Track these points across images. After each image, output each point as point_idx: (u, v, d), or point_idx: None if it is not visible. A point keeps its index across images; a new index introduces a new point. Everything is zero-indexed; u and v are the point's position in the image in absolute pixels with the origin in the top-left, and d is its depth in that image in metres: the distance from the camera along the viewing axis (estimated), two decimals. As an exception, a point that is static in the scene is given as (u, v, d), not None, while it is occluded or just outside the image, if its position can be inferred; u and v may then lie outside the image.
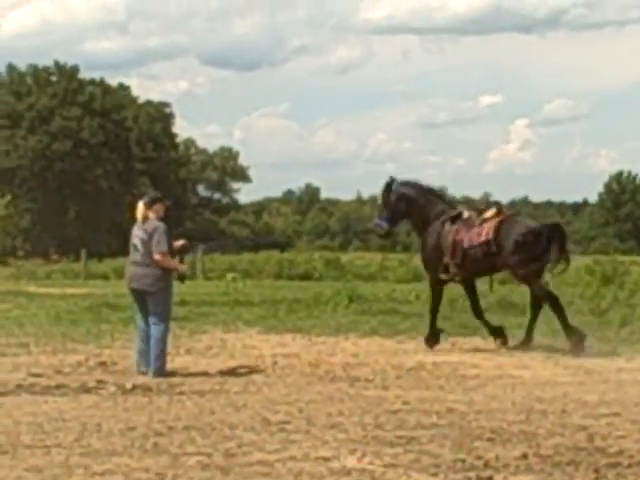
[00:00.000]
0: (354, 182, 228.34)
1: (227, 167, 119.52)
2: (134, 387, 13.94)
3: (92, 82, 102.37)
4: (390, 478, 8.40)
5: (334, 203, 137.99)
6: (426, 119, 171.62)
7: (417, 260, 30.01)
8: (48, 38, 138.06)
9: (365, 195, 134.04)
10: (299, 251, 75.44)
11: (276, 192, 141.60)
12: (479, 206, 19.97)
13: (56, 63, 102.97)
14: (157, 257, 15.11)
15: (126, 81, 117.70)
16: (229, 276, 38.10)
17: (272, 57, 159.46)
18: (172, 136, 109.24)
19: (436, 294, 18.71)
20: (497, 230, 17.30)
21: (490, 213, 18.01)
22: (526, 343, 17.86)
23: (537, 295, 17.84)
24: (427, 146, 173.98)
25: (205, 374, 15.43)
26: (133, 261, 15.55)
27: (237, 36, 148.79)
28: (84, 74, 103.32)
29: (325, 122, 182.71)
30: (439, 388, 13.85)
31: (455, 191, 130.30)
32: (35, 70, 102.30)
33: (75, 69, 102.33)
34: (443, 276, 18.25)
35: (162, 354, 15.28)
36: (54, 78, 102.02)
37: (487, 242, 17.36)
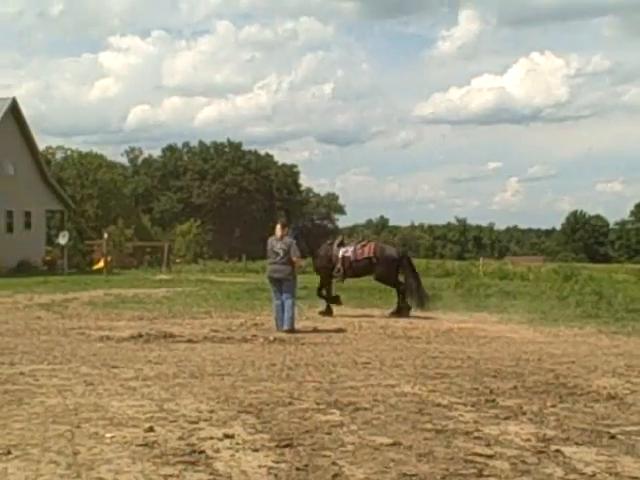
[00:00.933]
0: (409, 215, 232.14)
1: (331, 205, 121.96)
2: (274, 339, 14.36)
3: (250, 152, 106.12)
4: (431, 399, 8.59)
5: (397, 228, 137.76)
6: (454, 176, 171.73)
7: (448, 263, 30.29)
8: (224, 125, 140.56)
9: (416, 223, 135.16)
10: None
11: (361, 220, 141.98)
12: (352, 236, 21.78)
13: (228, 140, 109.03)
14: (295, 259, 15.96)
15: (270, 151, 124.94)
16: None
17: (360, 137, 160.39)
18: (298, 185, 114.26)
19: (327, 283, 20.36)
20: (375, 250, 19.99)
21: (364, 241, 21.18)
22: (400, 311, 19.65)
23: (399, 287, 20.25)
24: (454, 193, 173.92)
25: (317, 332, 15.83)
26: (274, 262, 16.12)
27: (339, 124, 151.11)
28: (245, 147, 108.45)
29: (392, 178, 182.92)
30: (461, 344, 14.09)
31: (472, 221, 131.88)
32: (215, 144, 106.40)
33: (240, 144, 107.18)
34: (335, 275, 20.24)
35: (291, 318, 15.84)
36: (227, 149, 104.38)
37: (369, 257, 19.88)
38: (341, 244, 20.41)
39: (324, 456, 6.23)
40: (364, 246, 20.31)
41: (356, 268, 20.12)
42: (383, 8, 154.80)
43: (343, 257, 20.04)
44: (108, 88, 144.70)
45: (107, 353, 12.22)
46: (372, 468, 5.92)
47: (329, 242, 20.55)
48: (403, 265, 20.19)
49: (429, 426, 7.30)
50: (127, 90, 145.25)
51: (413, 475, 5.75)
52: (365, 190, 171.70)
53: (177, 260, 59.63)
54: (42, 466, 5.90)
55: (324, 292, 20.35)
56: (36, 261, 45.28)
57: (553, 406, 8.37)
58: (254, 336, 14.77)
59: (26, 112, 48.45)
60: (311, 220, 21.93)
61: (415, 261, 22.70)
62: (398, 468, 5.92)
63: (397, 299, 20.08)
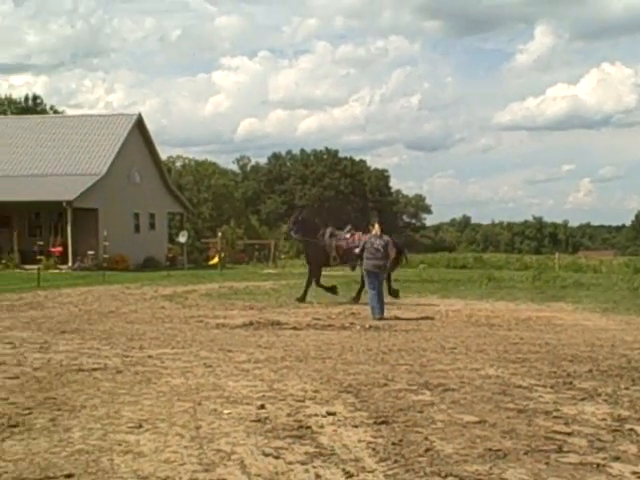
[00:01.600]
0: (490, 214, 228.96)
1: (419, 205, 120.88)
2: (370, 326, 14.28)
3: (345, 158, 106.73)
4: (513, 381, 8.49)
5: (479, 225, 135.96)
6: (531, 178, 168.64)
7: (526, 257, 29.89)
8: (323, 134, 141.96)
9: (496, 221, 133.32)
10: (459, 252, 75.85)
11: (446, 219, 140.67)
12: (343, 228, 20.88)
13: (326, 148, 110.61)
14: (392, 255, 16.38)
15: (364, 157, 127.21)
16: (420, 266, 37.82)
17: (444, 143, 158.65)
18: (389, 188, 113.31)
19: (317, 273, 20.22)
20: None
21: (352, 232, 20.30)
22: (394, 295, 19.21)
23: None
24: (531, 193, 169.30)
25: (408, 319, 15.64)
26: (375, 257, 16.14)
27: (425, 132, 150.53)
28: (342, 154, 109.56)
29: (474, 180, 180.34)
30: (540, 331, 13.78)
31: (547, 219, 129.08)
32: (315, 152, 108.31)
33: (336, 151, 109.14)
34: (332, 263, 20.27)
35: (380, 308, 15.86)
36: (325, 156, 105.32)
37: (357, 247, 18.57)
38: (332, 235, 20.26)
39: (417, 432, 6.22)
40: (353, 235, 20.01)
41: (349, 255, 19.45)
42: (464, 26, 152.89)
43: (337, 246, 19.89)
44: (220, 103, 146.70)
45: (223, 339, 12.39)
46: (460, 444, 5.90)
47: (321, 233, 20.35)
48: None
49: (511, 406, 7.23)
50: (237, 105, 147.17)
51: (498, 450, 5.71)
52: (449, 191, 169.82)
53: (282, 256, 59.88)
54: (169, 438, 6.04)
55: (320, 281, 20.26)
56: (160, 257, 46.11)
57: (626, 388, 8.21)
58: (352, 324, 14.75)
59: (150, 126, 49.45)
60: (304, 215, 21.52)
61: (496, 256, 22.42)
62: (484, 444, 5.89)
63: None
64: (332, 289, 20.21)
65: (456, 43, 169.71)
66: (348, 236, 20.08)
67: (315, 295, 19.75)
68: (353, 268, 20.05)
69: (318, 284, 20.08)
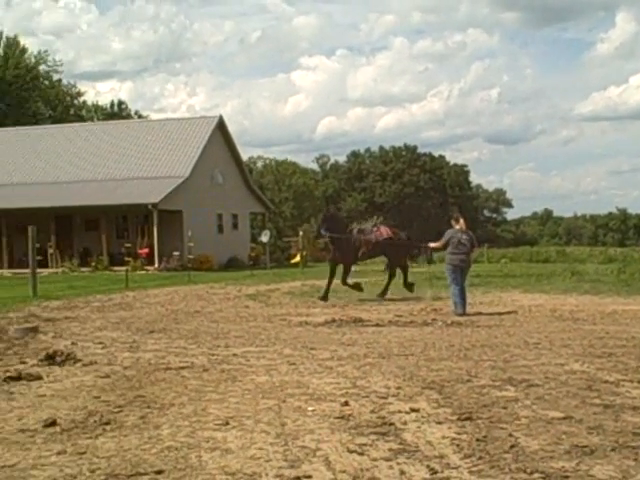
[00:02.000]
0: (572, 206, 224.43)
1: (499, 199, 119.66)
2: (452, 322, 14.19)
3: (424, 154, 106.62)
4: (599, 377, 8.33)
5: (561, 218, 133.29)
6: (614, 169, 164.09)
7: (611, 250, 29.19)
8: (401, 130, 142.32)
9: (579, 213, 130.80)
10: (542, 246, 74.62)
11: (527, 213, 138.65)
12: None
13: (405, 144, 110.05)
14: (476, 250, 16.79)
15: (443, 153, 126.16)
16: (502, 260, 37.48)
17: (525, 136, 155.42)
18: (469, 183, 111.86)
19: (348, 269, 20.13)
20: (393, 232, 20.54)
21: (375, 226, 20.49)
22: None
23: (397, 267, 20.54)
24: (615, 185, 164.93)
25: (490, 315, 15.49)
26: (461, 252, 16.03)
27: (505, 125, 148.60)
28: (420, 150, 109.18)
29: (555, 173, 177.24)
30: (626, 324, 13.48)
31: (632, 210, 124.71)
32: (394, 148, 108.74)
33: (415, 147, 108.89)
34: (361, 257, 20.20)
35: (462, 303, 15.83)
36: (404, 153, 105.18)
37: (389, 237, 20.06)
38: (360, 231, 20.21)
39: (501, 428, 6.17)
40: (378, 230, 20.25)
41: (375, 250, 20.19)
42: (543, 16, 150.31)
43: (366, 241, 19.81)
44: (300, 103, 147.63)
45: (306, 336, 12.44)
46: (546, 440, 5.82)
47: (349, 230, 20.22)
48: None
49: (598, 401, 7.10)
50: (316, 104, 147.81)
51: (584, 446, 5.62)
52: (531, 184, 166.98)
53: (363, 253, 59.97)
54: (255, 435, 6.11)
55: (349, 280, 20.06)
56: (243, 257, 46.56)
57: None
58: (434, 320, 14.65)
59: (231, 127, 50.04)
60: (332, 214, 21.94)
61: (579, 249, 22.09)
62: (570, 440, 5.80)
63: (388, 280, 20.38)
64: (356, 286, 20.05)
65: (535, 34, 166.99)
66: (375, 230, 20.26)
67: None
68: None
69: (344, 282, 19.96)
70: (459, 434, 6.01)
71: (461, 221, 16.33)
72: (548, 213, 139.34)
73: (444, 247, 16.42)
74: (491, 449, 5.61)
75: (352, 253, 20.00)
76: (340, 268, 19.93)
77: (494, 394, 7.47)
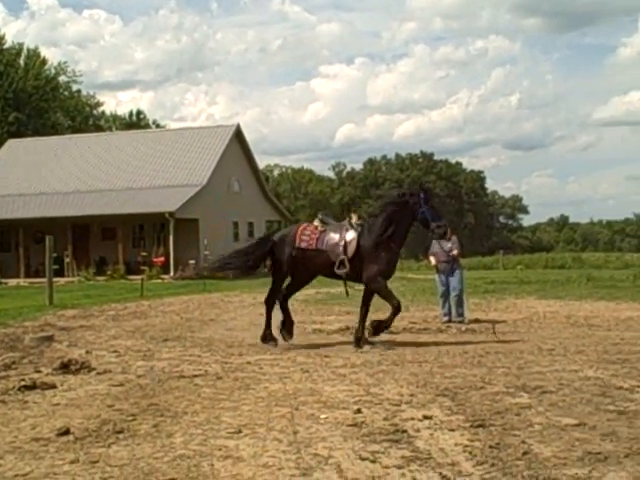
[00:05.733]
0: (589, 212, 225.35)
1: (515, 205, 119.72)
2: (466, 329, 14.18)
3: (441, 161, 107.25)
4: (613, 383, 8.29)
5: (577, 225, 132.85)
6: (633, 174, 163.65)
7: (627, 256, 28.70)
8: (420, 137, 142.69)
9: (595, 219, 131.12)
10: (557, 252, 74.55)
11: (544, 219, 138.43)
12: None
13: (421, 151, 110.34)
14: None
15: (461, 159, 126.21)
16: (517, 267, 37.39)
17: (543, 142, 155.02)
18: (484, 189, 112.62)
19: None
20: None
21: None
22: None
23: None
24: (633, 190, 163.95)
25: (504, 322, 15.37)
26: (447, 260, 15.83)
27: (524, 131, 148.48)
28: (437, 156, 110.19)
29: (573, 179, 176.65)
30: None
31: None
32: (410, 155, 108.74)
33: (432, 154, 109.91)
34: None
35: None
36: (420, 160, 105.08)
37: None
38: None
39: (514, 435, 6.13)
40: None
41: None
42: (564, 22, 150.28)
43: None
44: (319, 111, 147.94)
45: (319, 344, 12.43)
46: (559, 447, 5.79)
47: None
48: None
49: (612, 408, 7.05)
50: (335, 111, 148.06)
51: (598, 453, 5.58)
52: (548, 191, 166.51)
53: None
54: (267, 443, 6.10)
55: None
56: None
57: None
58: (448, 327, 14.66)
59: (250, 135, 50.52)
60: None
61: (595, 255, 21.91)
62: (583, 447, 5.76)
63: None
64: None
65: (556, 40, 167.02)
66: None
67: None
68: None
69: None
70: (472, 441, 5.98)
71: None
72: (564, 219, 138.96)
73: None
74: (504, 456, 5.57)
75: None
76: None
77: (507, 401, 7.43)
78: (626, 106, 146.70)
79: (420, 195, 11.88)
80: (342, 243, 11.90)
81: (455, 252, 15.79)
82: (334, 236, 12.06)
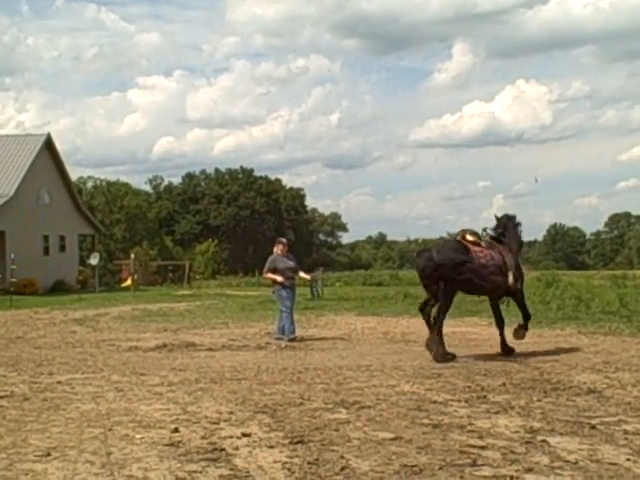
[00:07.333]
0: (406, 231, 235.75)
1: (335, 223, 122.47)
2: (285, 346, 14.30)
3: (261, 177, 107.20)
4: (428, 397, 8.59)
5: (394, 243, 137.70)
6: (447, 195, 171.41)
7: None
8: (241, 153, 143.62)
9: (412, 238, 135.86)
10: (375, 270, 77.13)
11: (362, 237, 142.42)
12: None
13: (241, 167, 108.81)
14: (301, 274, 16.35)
15: (281, 176, 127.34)
16: (337, 284, 38.23)
17: (362, 162, 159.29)
18: (305, 207, 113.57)
19: None
20: None
21: None
22: None
23: None
24: (447, 210, 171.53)
25: (324, 339, 15.65)
26: (291, 277, 15.88)
27: (343, 150, 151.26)
28: (257, 173, 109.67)
29: (390, 197, 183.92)
30: (455, 346, 13.65)
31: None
32: (230, 171, 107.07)
33: (252, 170, 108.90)
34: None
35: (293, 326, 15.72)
36: (240, 175, 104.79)
37: None
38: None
39: (332, 451, 6.22)
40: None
41: None
42: (382, 45, 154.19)
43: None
44: (136, 123, 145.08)
45: (135, 362, 12.19)
46: (376, 460, 5.92)
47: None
48: None
49: (427, 421, 7.29)
50: (153, 124, 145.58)
51: (413, 466, 5.75)
52: (366, 209, 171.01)
53: (197, 277, 59.61)
54: (79, 466, 5.90)
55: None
56: (70, 280, 45.26)
57: (539, 400, 8.37)
58: (267, 343, 14.74)
59: (63, 146, 49.24)
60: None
61: (412, 272, 22.55)
62: (400, 460, 5.92)
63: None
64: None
65: (374, 62, 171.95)
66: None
67: None
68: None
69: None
70: (291, 458, 6.02)
71: (280, 246, 16.20)
72: (382, 237, 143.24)
73: (273, 272, 15.98)
74: (322, 472, 5.64)
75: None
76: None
77: (326, 417, 7.54)
78: (440, 129, 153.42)
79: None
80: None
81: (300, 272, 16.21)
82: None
